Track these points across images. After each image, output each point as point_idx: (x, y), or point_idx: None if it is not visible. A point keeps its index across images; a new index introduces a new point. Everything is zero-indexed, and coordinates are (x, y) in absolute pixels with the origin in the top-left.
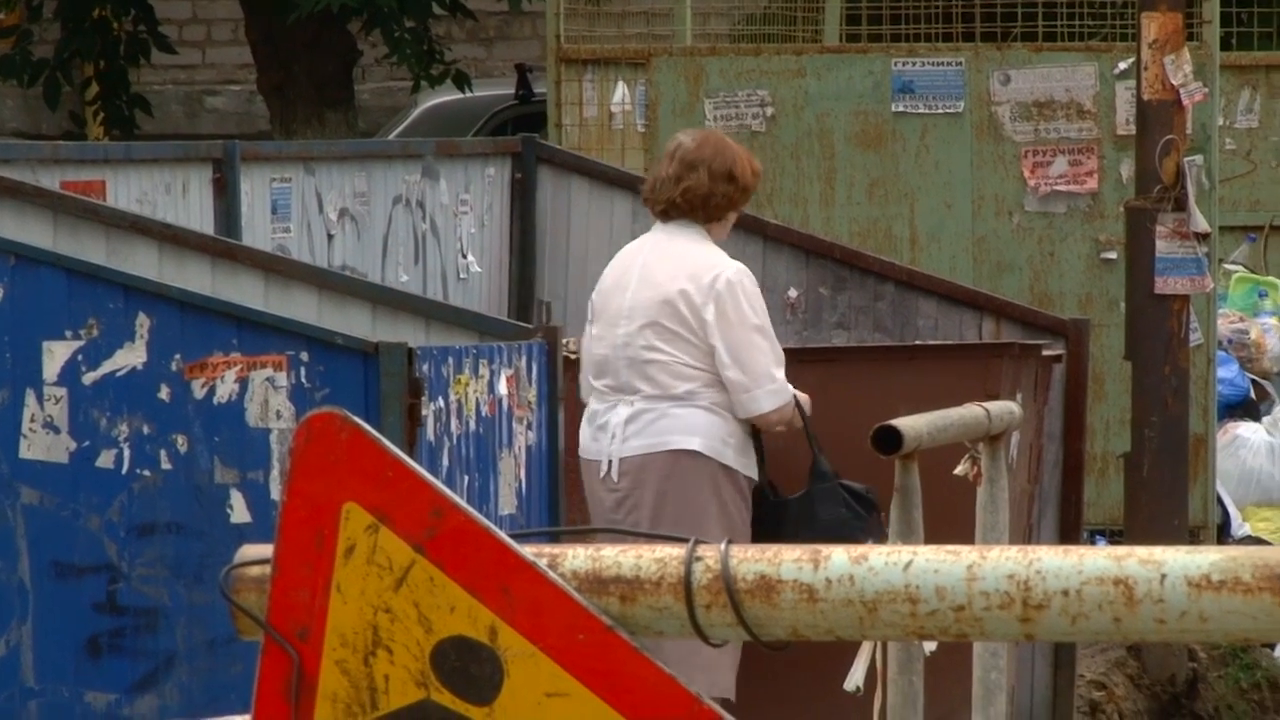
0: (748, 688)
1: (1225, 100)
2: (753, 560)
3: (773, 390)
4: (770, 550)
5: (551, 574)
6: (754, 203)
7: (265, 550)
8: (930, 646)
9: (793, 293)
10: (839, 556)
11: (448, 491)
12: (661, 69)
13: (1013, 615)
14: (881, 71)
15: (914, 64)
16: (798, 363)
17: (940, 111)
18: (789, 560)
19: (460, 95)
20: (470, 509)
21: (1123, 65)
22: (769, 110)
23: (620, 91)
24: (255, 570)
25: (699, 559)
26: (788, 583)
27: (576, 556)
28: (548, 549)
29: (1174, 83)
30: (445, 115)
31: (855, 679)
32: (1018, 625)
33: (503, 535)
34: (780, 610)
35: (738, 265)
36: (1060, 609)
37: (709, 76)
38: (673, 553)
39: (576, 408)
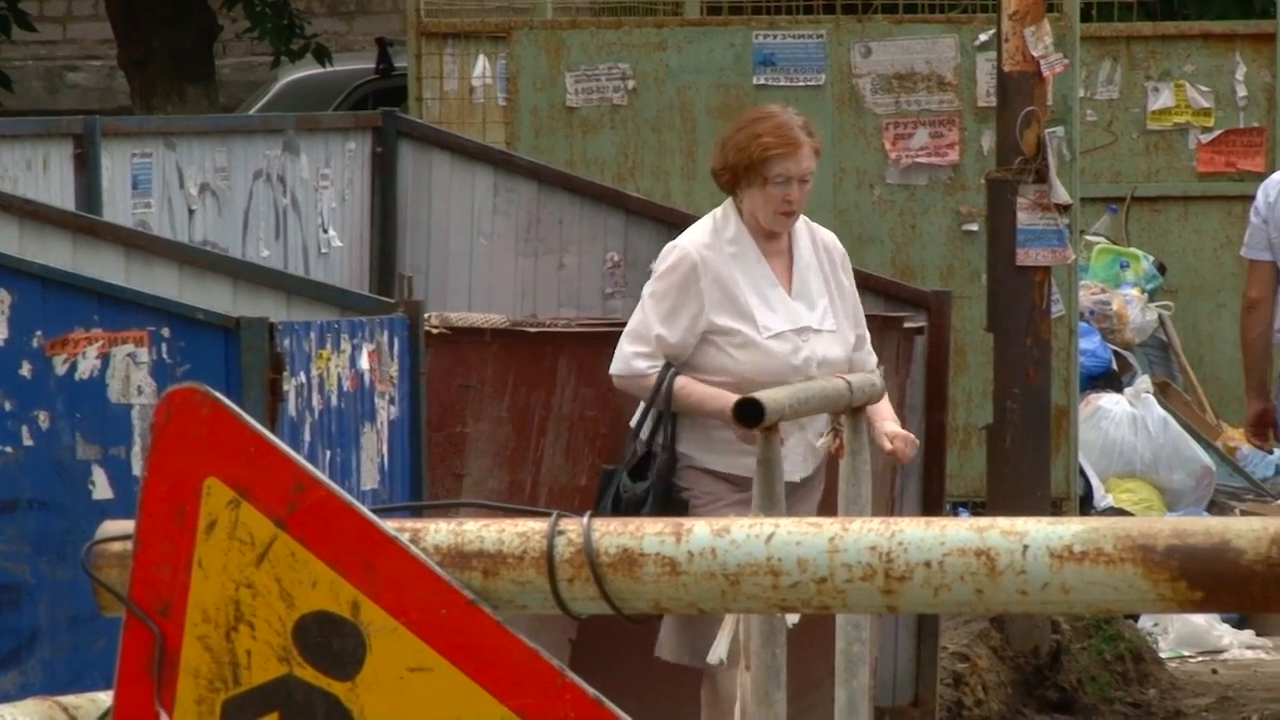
0: (610, 661)
1: (1086, 72)
2: (615, 534)
3: (617, 355)
4: (633, 524)
5: (413, 549)
6: (616, 176)
7: (127, 526)
8: (793, 619)
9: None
10: (701, 529)
11: (309, 466)
12: (522, 42)
13: (875, 587)
14: (742, 44)
15: (775, 37)
16: None
17: (801, 84)
18: (651, 533)
19: (321, 69)
20: (332, 484)
21: (983, 37)
22: (630, 84)
23: (481, 65)
24: (117, 546)
25: (561, 533)
26: (650, 556)
27: (439, 531)
28: (410, 523)
29: (1034, 54)
30: (306, 90)
31: (719, 652)
32: (880, 597)
33: (364, 510)
34: (643, 584)
35: (684, 237)
36: (922, 580)
37: (570, 50)
38: (535, 527)
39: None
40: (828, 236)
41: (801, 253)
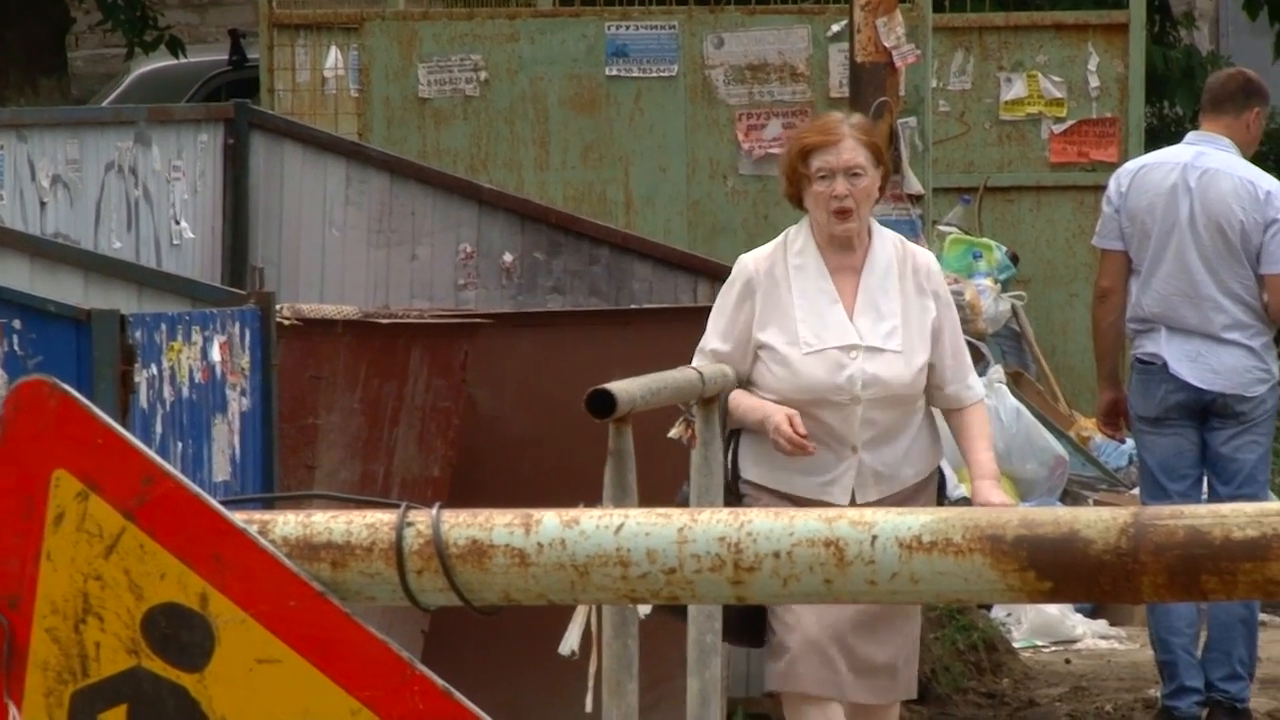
0: (462, 653)
1: (938, 62)
2: (464, 525)
3: None
4: (482, 515)
5: (262, 540)
6: (469, 167)
7: None
8: (645, 609)
9: (508, 257)
10: (550, 520)
11: (158, 459)
12: (374, 34)
13: (724, 578)
14: (595, 35)
15: (627, 27)
16: (514, 327)
17: (654, 75)
18: (500, 525)
19: (174, 61)
20: (181, 476)
21: (836, 28)
22: (482, 75)
23: (333, 56)
24: None
25: (410, 524)
26: (499, 547)
27: (288, 523)
28: (259, 515)
29: (887, 45)
30: (159, 81)
31: (570, 643)
32: (729, 588)
33: (213, 502)
34: (492, 575)
35: (752, 252)
36: (771, 571)
37: (422, 41)
38: (384, 518)
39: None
40: (924, 260)
41: (875, 268)
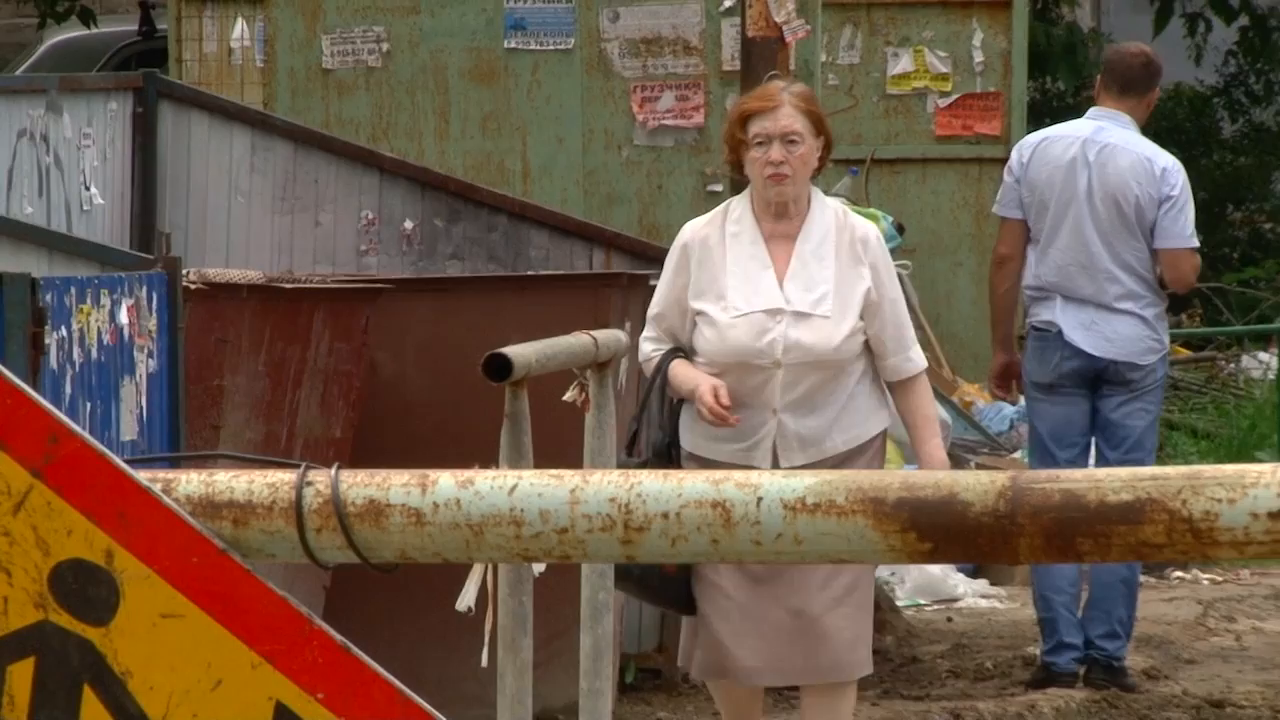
0: (359, 611)
1: (827, 37)
2: (362, 485)
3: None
4: (380, 475)
5: (166, 499)
6: (370, 137)
7: None
8: (539, 568)
9: (408, 224)
10: (446, 481)
11: (64, 418)
12: (279, 6)
13: (614, 537)
14: (494, 9)
15: (526, 2)
16: (414, 292)
17: (551, 48)
18: (397, 485)
19: (85, 32)
20: (87, 435)
21: (728, 2)
22: (384, 46)
23: (240, 28)
24: None
25: (310, 484)
26: (396, 507)
27: (190, 481)
28: (163, 474)
29: (777, 20)
30: (70, 51)
31: (466, 600)
32: (619, 547)
33: (118, 461)
34: (389, 534)
35: (693, 220)
36: (660, 531)
37: (326, 13)
38: (284, 478)
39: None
40: (864, 230)
41: (811, 236)
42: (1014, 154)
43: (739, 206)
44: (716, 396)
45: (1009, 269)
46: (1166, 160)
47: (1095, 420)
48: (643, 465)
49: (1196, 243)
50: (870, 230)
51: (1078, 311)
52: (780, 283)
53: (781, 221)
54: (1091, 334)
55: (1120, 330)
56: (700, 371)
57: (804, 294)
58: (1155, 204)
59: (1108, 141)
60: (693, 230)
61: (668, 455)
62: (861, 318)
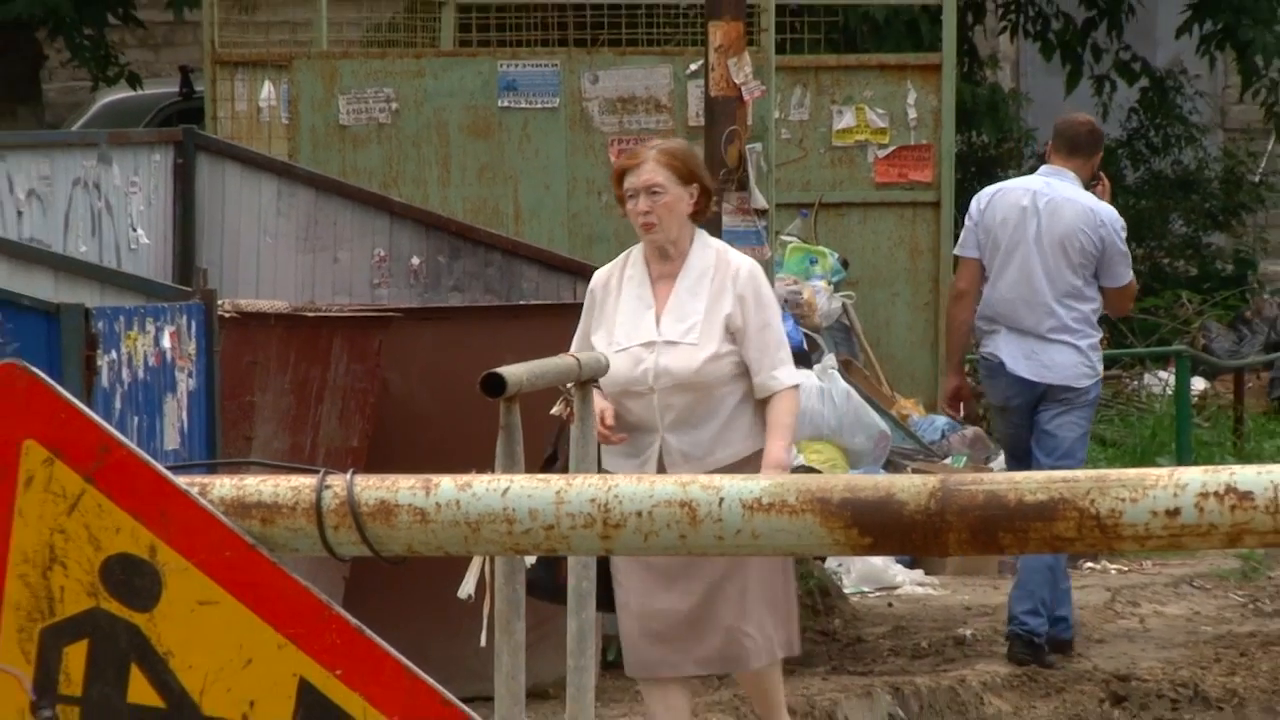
0: (372, 599)
1: (780, 96)
2: (374, 487)
3: None
4: (389, 479)
5: (202, 500)
6: (382, 184)
7: None
8: (530, 560)
9: (415, 260)
10: (447, 484)
11: (113, 430)
12: (302, 70)
13: (594, 533)
14: (489, 72)
15: (517, 66)
16: (420, 320)
17: (539, 107)
18: (405, 487)
19: (133, 93)
20: (133, 445)
21: (693, 66)
22: (394, 105)
23: (267, 89)
24: None
25: (328, 487)
26: (404, 507)
27: (224, 485)
28: (200, 479)
29: (736, 81)
30: (120, 110)
31: (467, 588)
32: (599, 541)
33: (160, 467)
34: (398, 530)
35: (600, 268)
36: (635, 528)
37: (342, 76)
38: (306, 482)
39: None
40: (738, 266)
41: (689, 274)
42: (974, 202)
43: (636, 253)
44: (604, 420)
45: (965, 302)
46: (1106, 210)
47: (1033, 432)
48: None
49: (1132, 278)
50: (745, 266)
51: (1020, 342)
52: (659, 317)
53: (665, 263)
54: (1031, 362)
55: (1056, 359)
56: (600, 398)
57: (676, 325)
58: (1097, 247)
59: (1054, 194)
60: (597, 276)
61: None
62: (734, 343)
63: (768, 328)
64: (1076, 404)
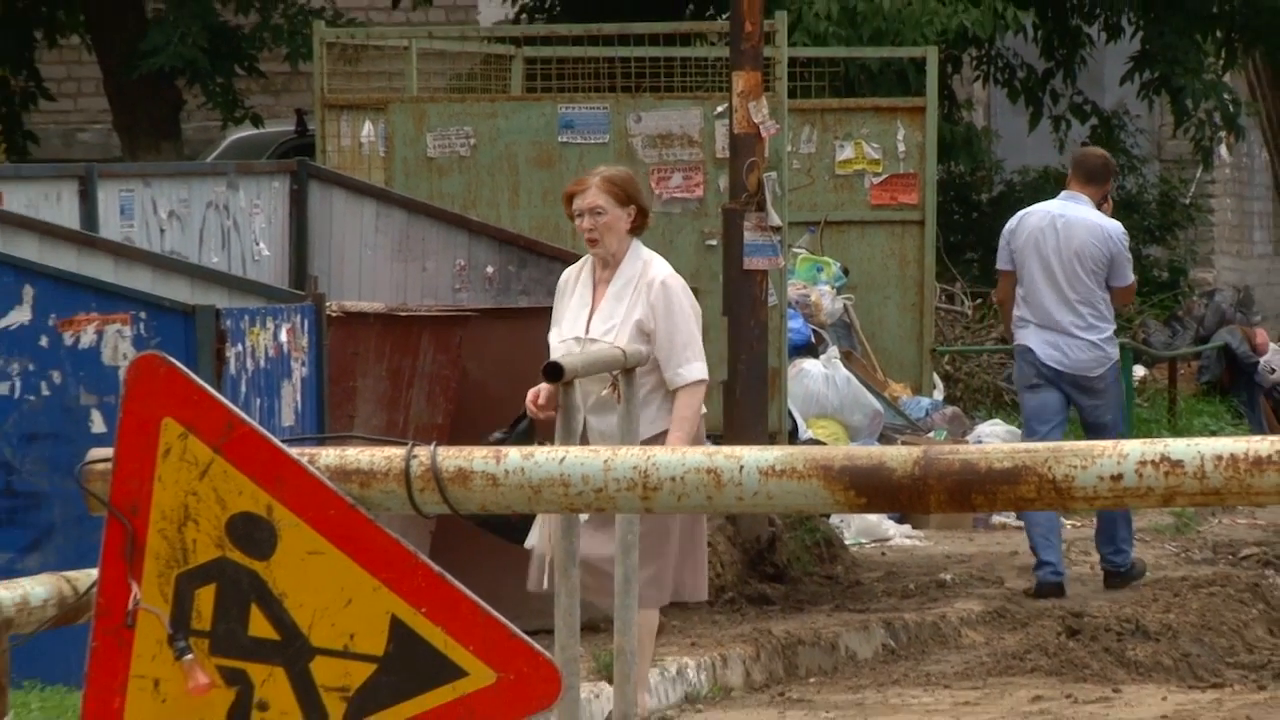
0: (457, 549)
1: (792, 134)
2: (453, 457)
3: None
4: (466, 450)
5: (311, 468)
6: (462, 206)
7: (108, 452)
8: (584, 516)
9: (489, 269)
10: (514, 454)
11: (237, 410)
12: (396, 112)
13: (636, 495)
14: (551, 114)
15: (574, 108)
16: (493, 319)
17: (593, 143)
18: (479, 457)
19: (256, 131)
20: (253, 422)
21: (720, 109)
22: (472, 141)
23: (367, 128)
24: (100, 466)
25: (415, 457)
26: (478, 473)
27: (329, 455)
28: (310, 450)
29: (755, 121)
30: (245, 145)
31: (532, 539)
32: (640, 501)
33: (276, 441)
34: (473, 492)
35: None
36: (670, 490)
37: (429, 117)
38: (397, 453)
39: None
40: (654, 276)
41: (616, 283)
42: (1007, 225)
43: (589, 259)
44: (535, 400)
45: (1007, 308)
46: (1112, 226)
47: (1080, 420)
48: (506, 438)
49: (1134, 279)
50: (660, 278)
51: (1045, 335)
52: (590, 317)
53: (605, 270)
54: (1055, 352)
55: (1073, 353)
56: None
57: (601, 325)
58: (1106, 256)
59: (1070, 216)
60: (564, 276)
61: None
62: (648, 342)
63: (676, 331)
64: (1098, 390)
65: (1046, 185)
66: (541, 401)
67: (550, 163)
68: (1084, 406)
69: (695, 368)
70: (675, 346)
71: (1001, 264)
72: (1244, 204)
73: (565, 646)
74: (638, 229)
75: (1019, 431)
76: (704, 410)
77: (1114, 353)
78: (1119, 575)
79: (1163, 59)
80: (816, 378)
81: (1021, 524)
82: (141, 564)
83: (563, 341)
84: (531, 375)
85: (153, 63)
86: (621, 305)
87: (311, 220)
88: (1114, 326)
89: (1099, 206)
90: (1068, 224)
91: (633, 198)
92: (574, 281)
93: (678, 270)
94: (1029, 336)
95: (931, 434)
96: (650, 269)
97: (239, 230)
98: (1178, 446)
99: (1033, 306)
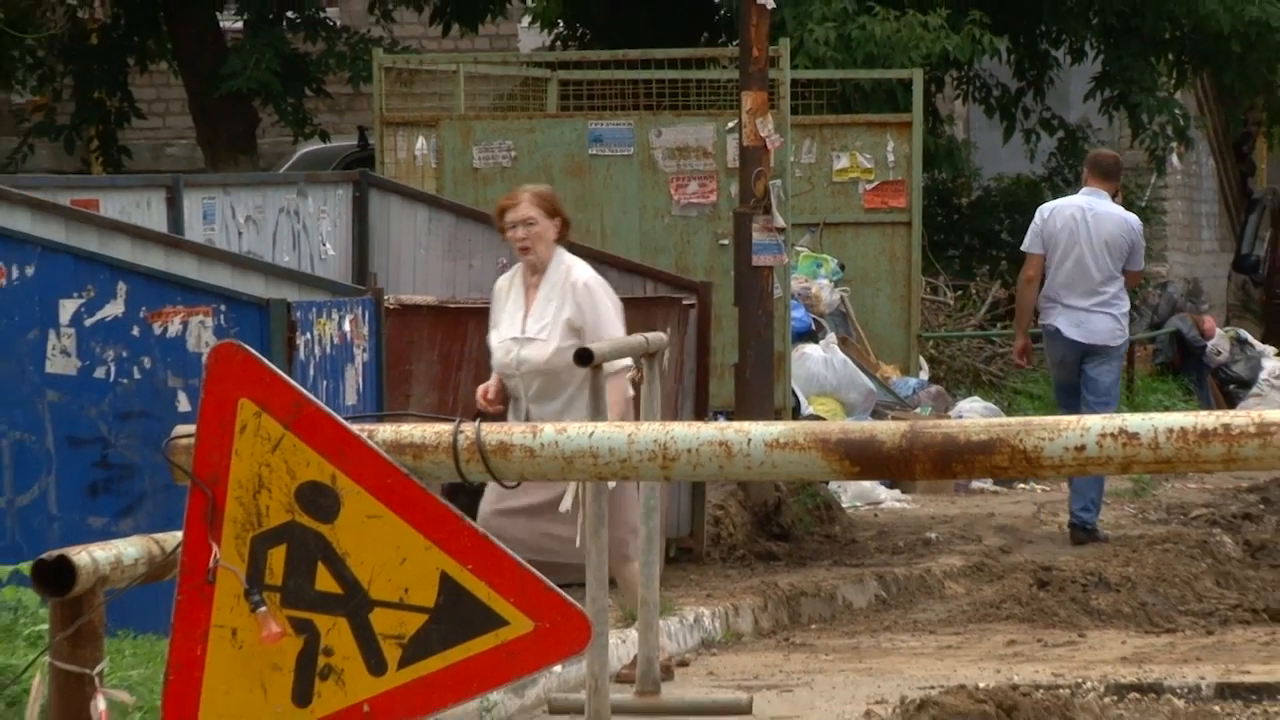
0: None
1: (795, 146)
2: (495, 432)
3: None
4: (506, 426)
5: (370, 441)
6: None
7: (191, 428)
8: (611, 484)
9: None
10: (548, 429)
11: (305, 391)
12: (446, 128)
13: (657, 465)
14: (582, 129)
15: (602, 124)
16: None
17: (619, 155)
18: (517, 432)
19: (323, 145)
20: (319, 402)
21: (731, 124)
22: (513, 153)
23: (420, 142)
24: (184, 441)
25: (462, 432)
26: (517, 446)
27: (386, 430)
28: (369, 426)
29: (762, 135)
30: (314, 158)
31: (566, 504)
32: (660, 470)
33: (339, 418)
34: (513, 463)
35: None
36: (686, 460)
37: (475, 132)
38: (445, 428)
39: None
40: (579, 279)
41: (544, 286)
42: (1037, 214)
43: (520, 267)
44: (485, 394)
45: (1033, 286)
46: (1132, 218)
47: (1082, 380)
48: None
49: (1144, 264)
50: (582, 279)
51: (1071, 314)
52: (525, 318)
53: (535, 276)
54: (1080, 329)
55: (1096, 327)
56: (494, 377)
57: (534, 324)
58: (1129, 244)
59: (1098, 209)
60: (499, 283)
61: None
62: (578, 338)
63: (601, 326)
64: (1110, 357)
65: (1019, 191)
66: (490, 396)
67: (581, 173)
68: (1090, 371)
69: (620, 361)
70: (600, 340)
71: (1032, 247)
72: (1193, 206)
73: (595, 598)
74: (562, 238)
75: (996, 408)
76: (630, 393)
77: (1126, 326)
78: (1084, 531)
79: (1121, 79)
80: (816, 360)
81: (998, 489)
82: (220, 527)
83: (501, 342)
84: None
85: (232, 85)
86: (551, 306)
87: (371, 224)
88: (1128, 304)
89: (1113, 198)
90: (1097, 216)
91: (558, 210)
92: (507, 288)
93: (696, 267)
94: (1056, 317)
95: (918, 410)
96: (573, 272)
97: (308, 233)
98: (1134, 420)
99: (1061, 289)
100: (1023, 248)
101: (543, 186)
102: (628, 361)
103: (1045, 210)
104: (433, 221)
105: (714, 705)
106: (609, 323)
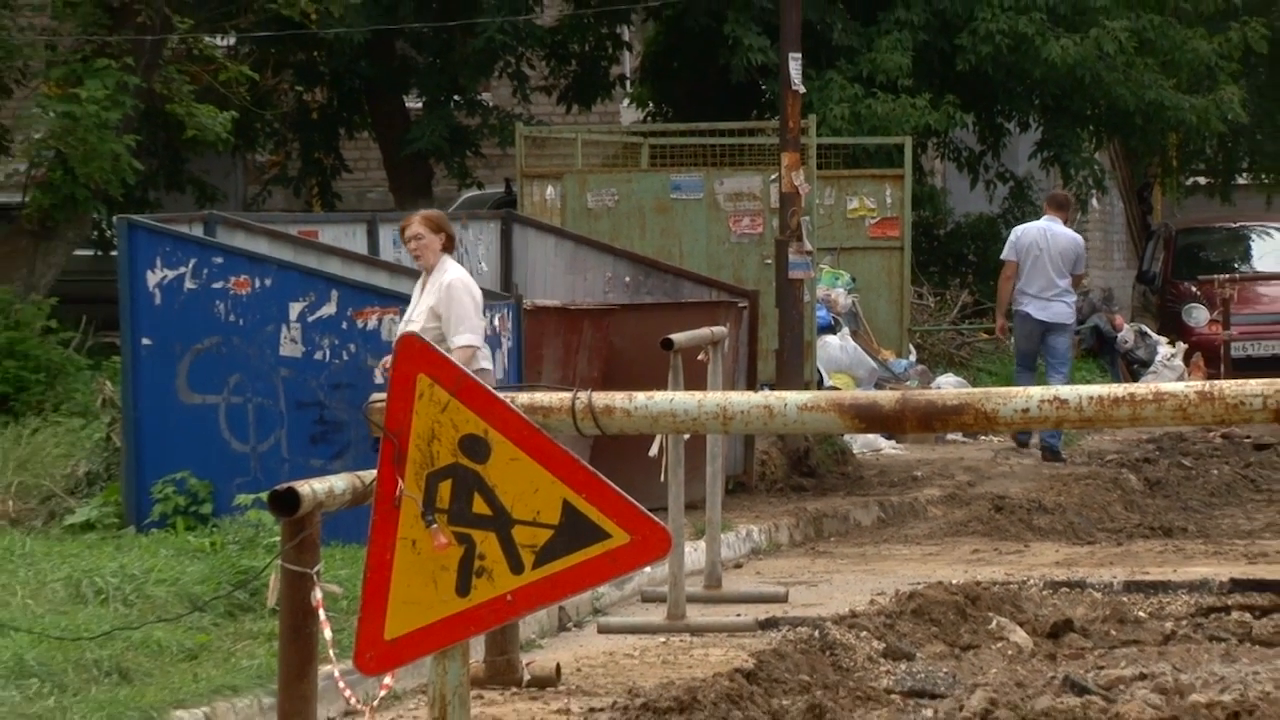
0: (604, 457)
1: (819, 192)
2: (602, 398)
3: None
4: (611, 394)
5: (512, 404)
6: (609, 239)
7: (383, 395)
8: (685, 436)
9: (627, 279)
10: (640, 396)
11: (466, 369)
12: (568, 179)
13: (719, 422)
14: (665, 180)
15: (680, 176)
16: (630, 311)
17: (692, 198)
18: (618, 398)
19: (480, 191)
20: (476, 377)
21: (773, 176)
22: (616, 198)
23: (550, 190)
24: (379, 405)
25: (578, 399)
26: (618, 408)
27: (523, 397)
28: (511, 394)
29: (796, 184)
30: (473, 201)
31: (653, 450)
32: (721, 426)
33: (490, 388)
34: (615, 420)
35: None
36: (740, 419)
37: (589, 183)
38: (565, 396)
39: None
40: (445, 278)
41: (430, 284)
42: (1012, 233)
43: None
44: (384, 365)
45: (1009, 283)
46: (1078, 238)
47: (1045, 349)
48: None
49: (1085, 269)
50: (447, 278)
51: (1037, 301)
52: (415, 306)
53: (427, 277)
54: (1045, 312)
55: (1054, 310)
56: None
57: (417, 312)
58: (1075, 254)
59: (1054, 230)
60: (417, 285)
61: None
62: (439, 321)
63: (451, 313)
64: (1064, 332)
65: (981, 225)
66: (388, 367)
67: (665, 212)
68: (1051, 342)
69: (464, 337)
70: (451, 322)
71: (1009, 257)
72: (1108, 235)
73: (674, 517)
74: (448, 248)
75: (965, 381)
76: (482, 366)
77: (1074, 311)
78: (1052, 452)
79: (1055, 143)
80: (834, 347)
81: (966, 440)
82: (404, 467)
83: (407, 323)
84: (653, 347)
85: (414, 148)
86: (429, 298)
87: (514, 248)
88: (1075, 295)
89: (1066, 224)
90: (1054, 234)
91: (442, 227)
92: (418, 285)
93: (747, 279)
94: (1026, 304)
95: (908, 383)
96: (446, 275)
97: (469, 254)
98: (1065, 391)
99: (1030, 285)
100: (1001, 256)
101: (432, 210)
102: (471, 340)
103: (1018, 230)
104: (558, 247)
105: (760, 595)
106: (458, 312)
